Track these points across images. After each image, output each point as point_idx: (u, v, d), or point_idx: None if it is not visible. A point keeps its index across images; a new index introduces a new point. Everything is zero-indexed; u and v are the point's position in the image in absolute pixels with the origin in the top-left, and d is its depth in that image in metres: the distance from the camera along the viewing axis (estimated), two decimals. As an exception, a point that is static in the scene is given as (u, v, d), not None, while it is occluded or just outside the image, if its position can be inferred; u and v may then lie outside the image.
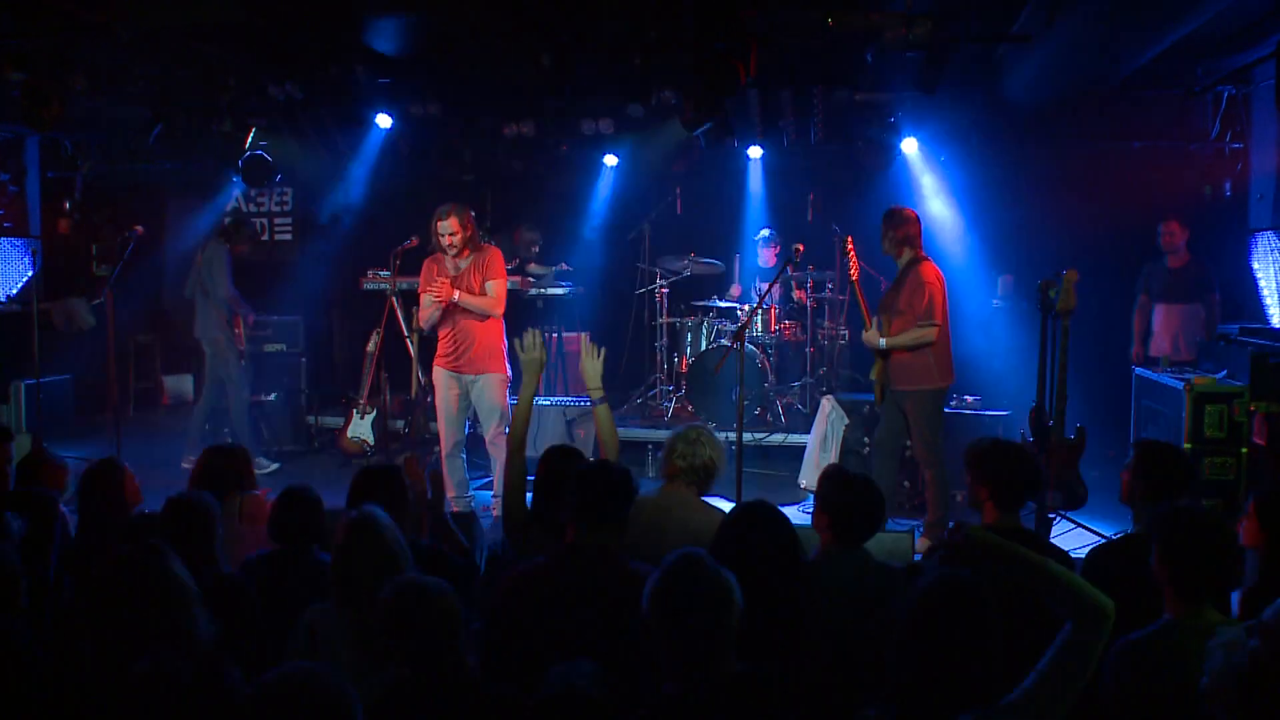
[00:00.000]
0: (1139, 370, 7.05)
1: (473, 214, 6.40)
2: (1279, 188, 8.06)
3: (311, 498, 3.62)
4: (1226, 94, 8.23)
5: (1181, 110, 8.44)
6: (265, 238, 10.58)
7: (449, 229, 6.11)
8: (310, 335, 9.04)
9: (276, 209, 10.67)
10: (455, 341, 6.25)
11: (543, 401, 7.56)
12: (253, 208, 10.72)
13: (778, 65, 7.00)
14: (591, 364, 4.39)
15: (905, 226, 5.84)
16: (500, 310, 6.27)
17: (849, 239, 6.21)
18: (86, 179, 10.50)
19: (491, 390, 6.23)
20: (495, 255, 6.34)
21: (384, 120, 8.32)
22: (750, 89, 7.40)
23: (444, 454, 6.30)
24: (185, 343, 10.77)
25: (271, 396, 8.41)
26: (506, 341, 6.23)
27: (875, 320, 5.95)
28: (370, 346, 8.11)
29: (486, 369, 6.21)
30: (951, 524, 2.86)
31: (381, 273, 8.35)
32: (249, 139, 7.92)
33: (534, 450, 7.45)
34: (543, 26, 6.57)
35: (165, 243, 11.10)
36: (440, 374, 6.30)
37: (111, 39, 6.22)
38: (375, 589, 2.69)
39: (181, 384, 10.82)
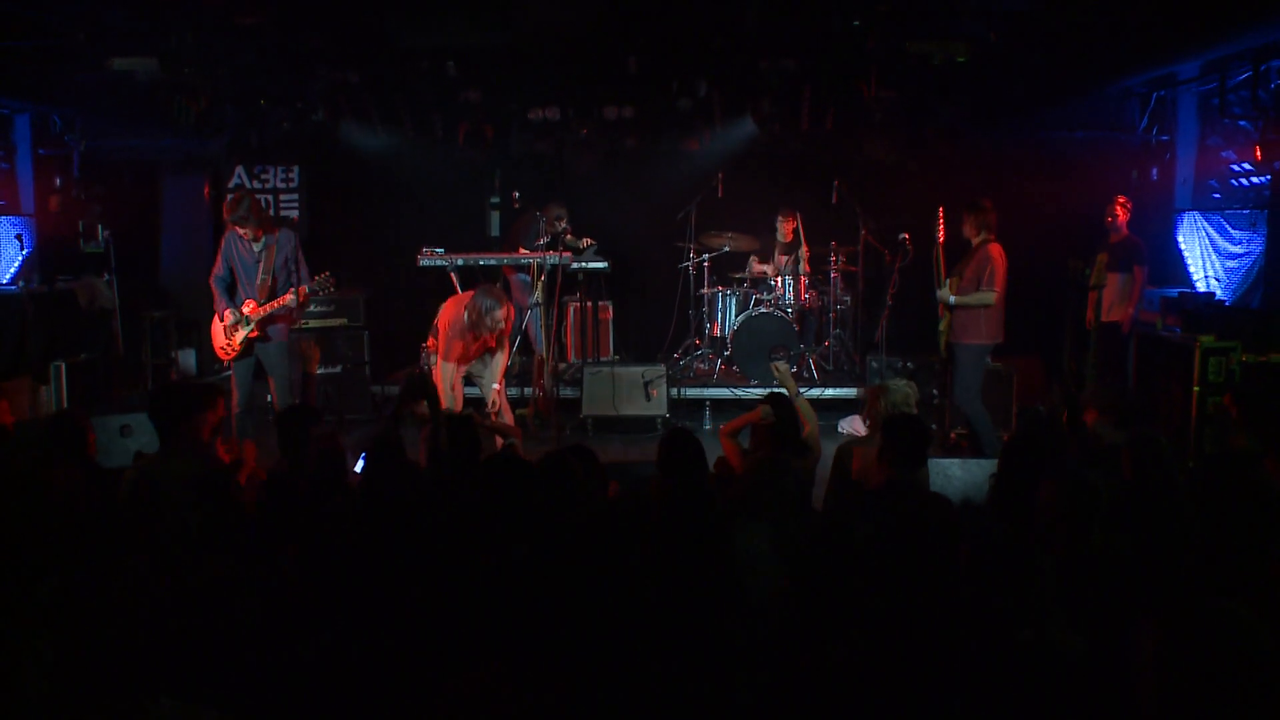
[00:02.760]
0: (1141, 329, 8.53)
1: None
2: (1199, 174, 9.81)
3: None
4: (1155, 95, 9.89)
5: (1118, 108, 10.06)
6: (270, 213, 10.88)
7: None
8: (369, 310, 9.53)
9: (282, 185, 10.98)
10: None
11: (620, 369, 8.48)
12: (257, 184, 10.99)
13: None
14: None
15: (985, 215, 7.13)
16: None
17: (940, 209, 7.36)
18: (82, 155, 10.52)
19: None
20: None
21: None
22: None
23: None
24: (188, 318, 11.10)
25: (336, 369, 8.90)
26: None
27: (948, 282, 7.20)
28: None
29: None
30: None
31: (437, 250, 8.99)
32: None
33: (613, 409, 8.45)
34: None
35: (162, 220, 11.20)
36: None
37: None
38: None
39: (187, 359, 11.02)
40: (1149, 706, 1.92)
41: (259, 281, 7.17)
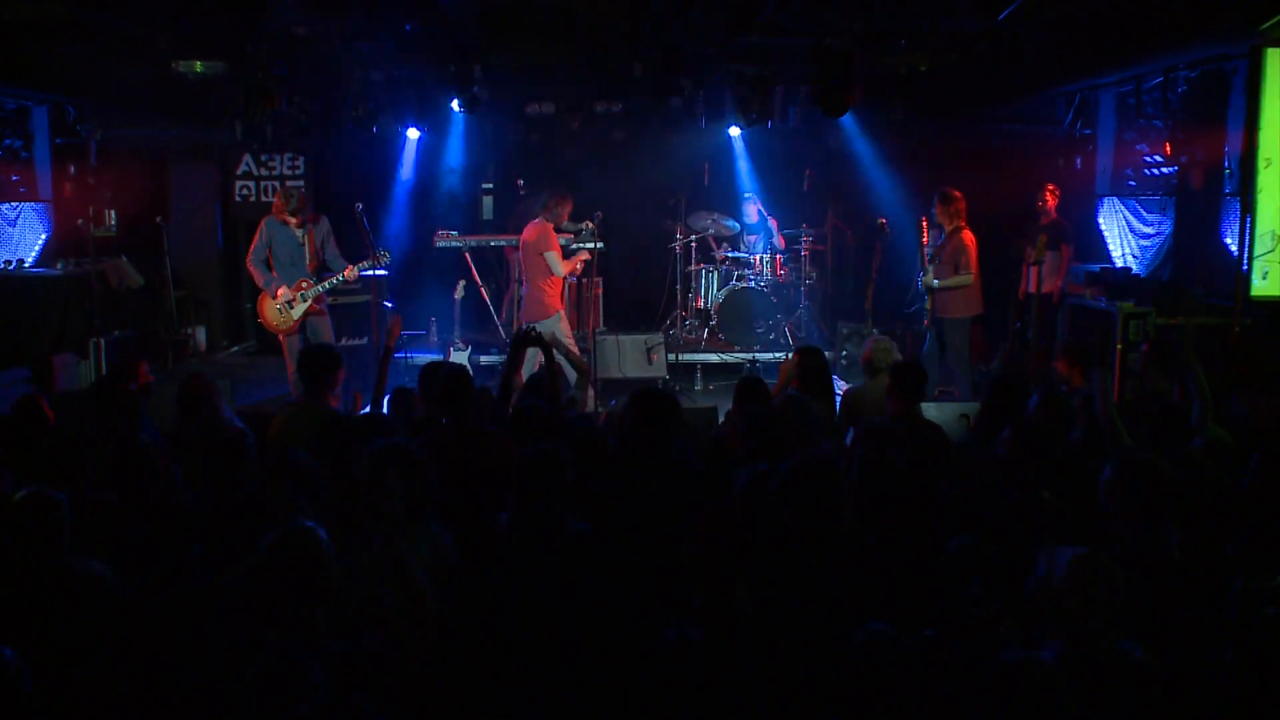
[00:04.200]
0: (1071, 300, 9.81)
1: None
2: (1117, 164, 11.17)
3: None
4: (1079, 94, 11.22)
5: (1048, 105, 11.38)
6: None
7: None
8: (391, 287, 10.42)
9: (288, 172, 11.77)
10: None
11: (624, 337, 9.57)
12: (264, 171, 11.77)
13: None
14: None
15: (956, 204, 8.33)
16: None
17: (923, 220, 8.54)
18: (99, 144, 11.20)
19: None
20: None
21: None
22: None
23: None
24: (199, 297, 11.87)
25: (363, 341, 9.79)
26: None
27: (930, 269, 8.40)
28: (458, 294, 9.73)
29: None
30: None
31: (452, 232, 9.95)
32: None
33: (619, 372, 9.51)
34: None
35: (170, 205, 11.91)
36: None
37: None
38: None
39: (199, 335, 11.78)
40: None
41: (307, 262, 8.11)
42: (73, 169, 11.27)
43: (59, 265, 10.37)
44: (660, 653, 2.95)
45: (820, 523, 3.63)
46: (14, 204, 10.41)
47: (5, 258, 10.02)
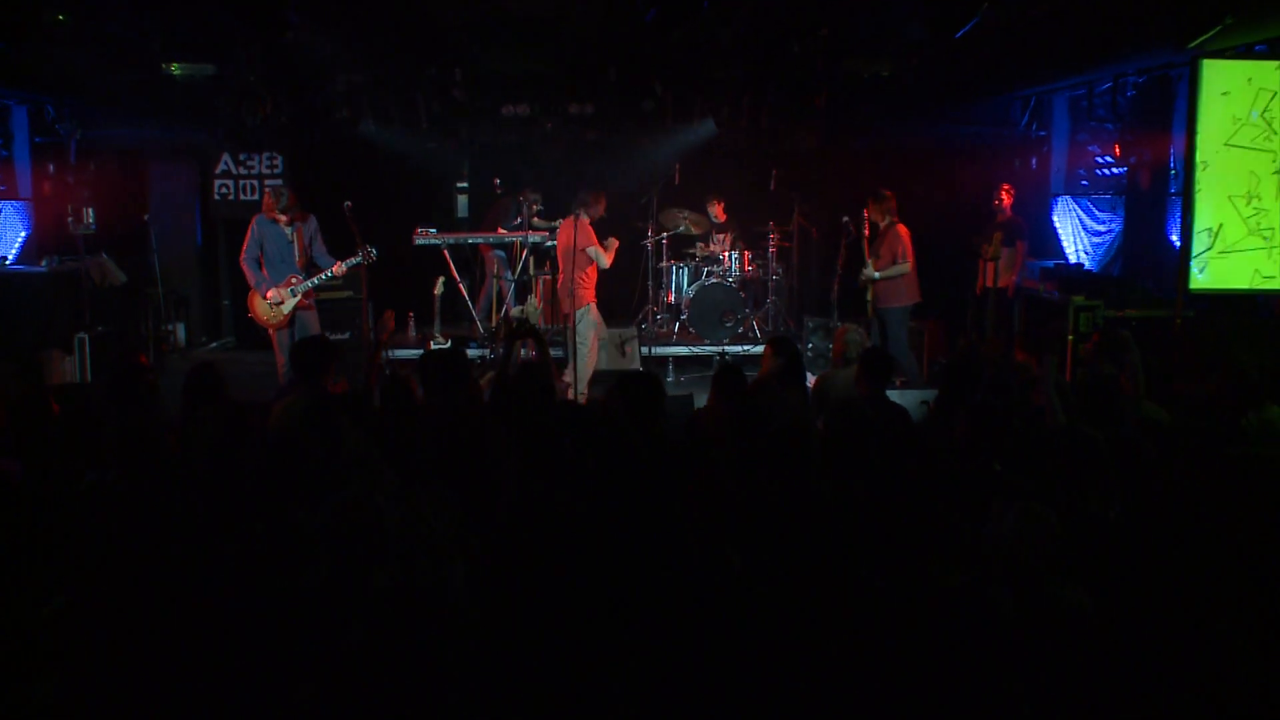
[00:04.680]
0: (1026, 293, 10.26)
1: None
2: (1070, 165, 11.67)
3: None
4: (1034, 98, 11.70)
5: (1004, 107, 11.84)
6: (256, 198, 11.91)
7: None
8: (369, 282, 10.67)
9: (267, 171, 11.99)
10: None
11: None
12: (242, 171, 11.99)
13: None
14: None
15: (888, 202, 8.75)
16: None
17: (865, 210, 8.93)
18: (79, 144, 11.37)
19: None
20: None
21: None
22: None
23: None
24: (179, 294, 12.06)
25: (346, 335, 10.05)
26: None
27: (870, 262, 8.81)
28: (437, 290, 10.03)
29: None
30: None
31: (431, 230, 10.23)
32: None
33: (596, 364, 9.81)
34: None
35: (149, 203, 12.08)
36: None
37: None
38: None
39: (178, 331, 11.97)
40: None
41: (296, 259, 8.38)
42: (52, 168, 11.42)
43: (43, 263, 10.53)
44: (660, 606, 3.29)
45: (796, 489, 4.00)
46: (-6, 202, 10.58)
47: (-13, 255, 10.18)
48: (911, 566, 3.52)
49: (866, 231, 8.90)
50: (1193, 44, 6.14)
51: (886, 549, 3.72)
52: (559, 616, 3.45)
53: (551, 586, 3.57)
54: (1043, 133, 11.81)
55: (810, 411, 6.00)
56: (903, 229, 8.84)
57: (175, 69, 8.36)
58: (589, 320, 8.91)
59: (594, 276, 9.01)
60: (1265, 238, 7.46)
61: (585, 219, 8.83)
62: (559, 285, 9.03)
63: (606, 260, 8.89)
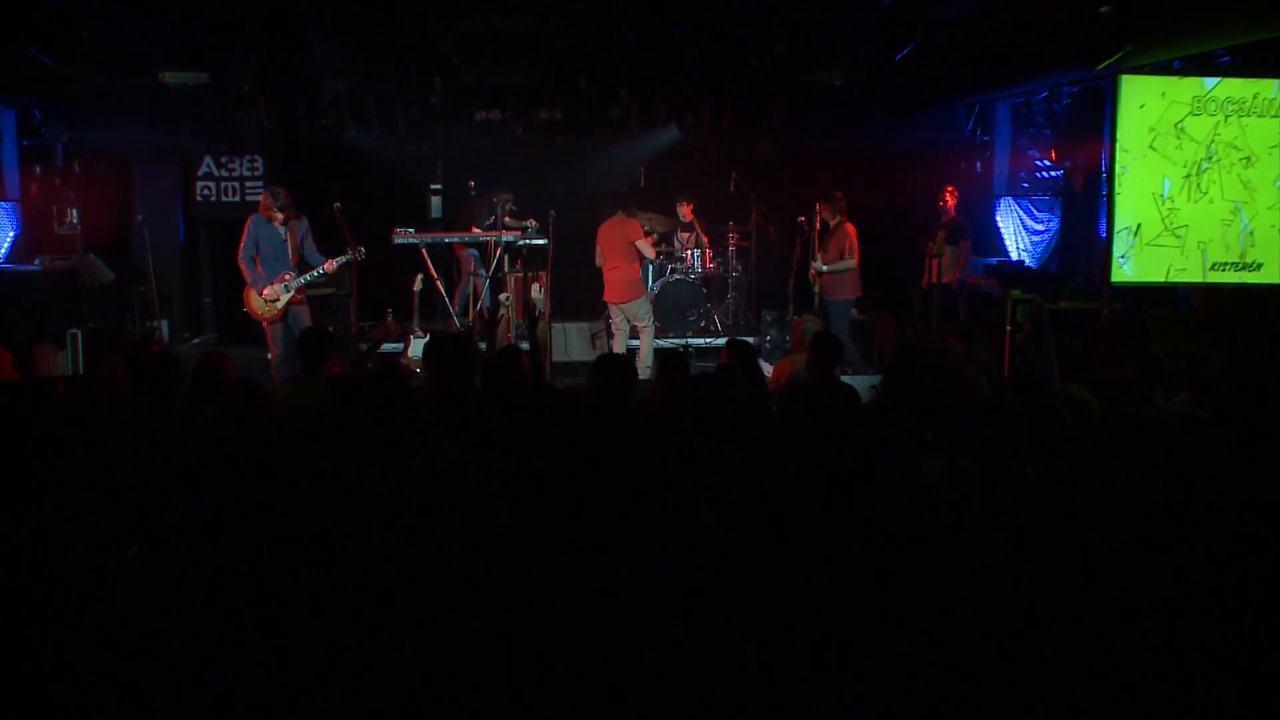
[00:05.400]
0: (971, 286, 10.99)
1: None
2: (1012, 168, 12.44)
3: None
4: (979, 104, 12.45)
5: (951, 113, 12.59)
6: (237, 199, 12.40)
7: None
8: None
9: (248, 173, 12.47)
10: None
11: (570, 324, 10.51)
12: (224, 173, 12.45)
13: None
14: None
15: (838, 203, 9.44)
16: None
17: (818, 206, 9.61)
18: (65, 146, 11.80)
19: None
20: None
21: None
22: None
23: None
24: (163, 291, 12.50)
25: (330, 329, 10.54)
26: None
27: (819, 256, 9.49)
28: (416, 286, 10.58)
29: None
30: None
31: (409, 230, 10.77)
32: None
33: (565, 355, 10.45)
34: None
35: (134, 203, 12.51)
36: None
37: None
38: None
39: (163, 327, 12.41)
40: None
41: (290, 257, 8.92)
42: (39, 170, 11.84)
43: (36, 261, 10.95)
44: (642, 554, 3.90)
45: (757, 455, 4.63)
46: (-16, 204, 10.99)
47: (-20, 255, 10.60)
48: (856, 514, 4.16)
49: (818, 227, 9.57)
50: (1100, 66, 6.87)
51: (835, 501, 4.37)
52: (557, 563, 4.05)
53: (547, 537, 4.18)
54: (986, 138, 12.56)
55: (766, 393, 6.64)
56: (850, 228, 9.53)
57: (169, 78, 8.80)
58: (648, 306, 9.89)
59: (638, 268, 9.94)
60: (1178, 236, 8.23)
61: (632, 217, 9.65)
62: (609, 275, 9.83)
63: (651, 253, 9.85)
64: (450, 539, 3.33)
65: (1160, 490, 4.67)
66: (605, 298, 9.96)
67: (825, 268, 9.51)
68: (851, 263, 9.50)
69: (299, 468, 4.00)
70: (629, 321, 9.88)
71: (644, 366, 9.39)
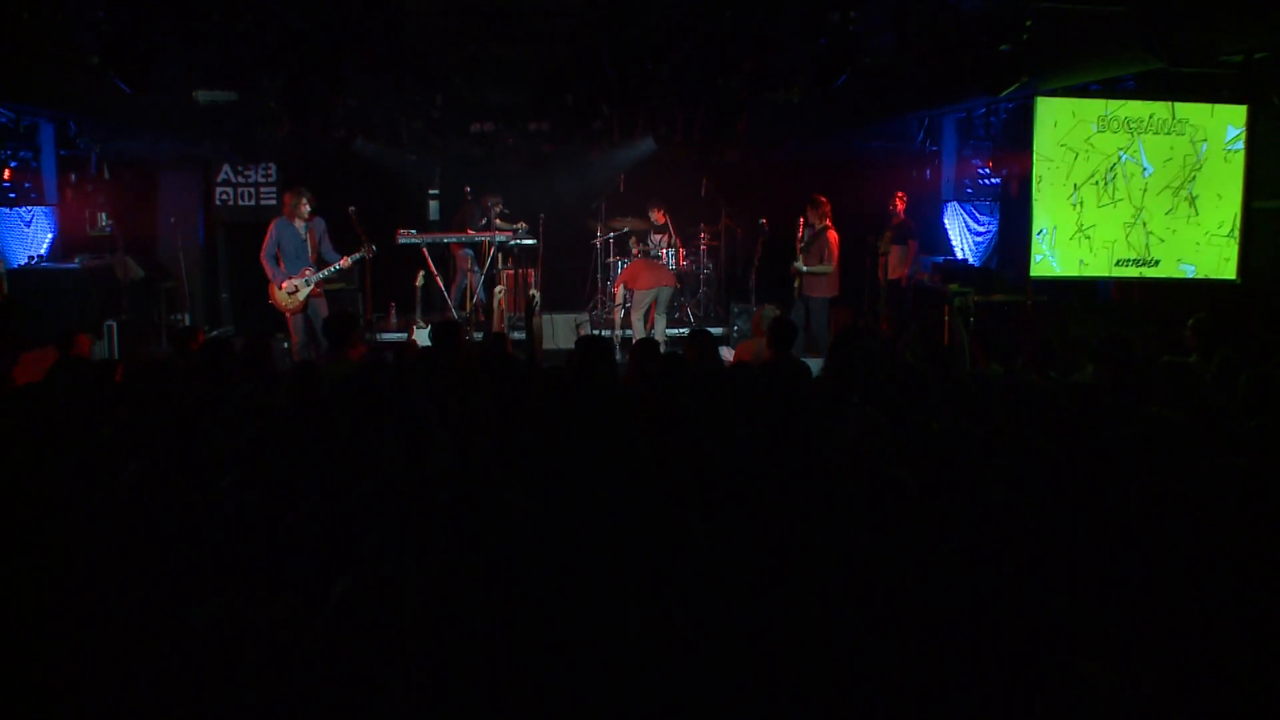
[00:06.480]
0: (919, 284, 12.23)
1: None
2: (957, 175, 13.70)
3: None
4: (928, 117, 13.70)
5: (903, 125, 13.84)
6: (253, 203, 13.55)
7: None
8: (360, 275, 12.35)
9: (262, 179, 13.61)
10: None
11: (557, 315, 11.73)
12: (241, 179, 13.60)
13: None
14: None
15: (823, 207, 10.61)
16: None
17: (801, 219, 10.81)
18: (98, 155, 12.90)
19: None
20: None
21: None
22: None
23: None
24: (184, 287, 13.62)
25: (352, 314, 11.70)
26: None
27: (801, 257, 10.70)
28: (418, 282, 11.76)
29: None
30: None
31: (412, 231, 11.95)
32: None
33: (553, 343, 11.65)
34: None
35: (159, 206, 13.63)
36: None
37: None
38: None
39: (184, 321, 13.52)
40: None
41: (309, 255, 10.09)
42: (74, 177, 12.91)
43: (76, 260, 12.07)
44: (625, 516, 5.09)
45: (719, 422, 5.85)
46: (28, 208, 12.07)
47: (28, 254, 11.70)
48: (792, 460, 5.38)
49: (801, 232, 10.72)
50: (1002, 94, 8.13)
51: (779, 447, 5.59)
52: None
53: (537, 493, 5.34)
54: (935, 148, 13.78)
55: (721, 368, 7.86)
56: (833, 235, 10.67)
57: (201, 95, 9.95)
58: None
59: None
60: (1088, 236, 9.50)
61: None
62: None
63: None
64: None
65: (1040, 439, 5.92)
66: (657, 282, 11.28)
67: (804, 269, 10.68)
68: (829, 268, 10.63)
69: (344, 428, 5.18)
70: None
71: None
